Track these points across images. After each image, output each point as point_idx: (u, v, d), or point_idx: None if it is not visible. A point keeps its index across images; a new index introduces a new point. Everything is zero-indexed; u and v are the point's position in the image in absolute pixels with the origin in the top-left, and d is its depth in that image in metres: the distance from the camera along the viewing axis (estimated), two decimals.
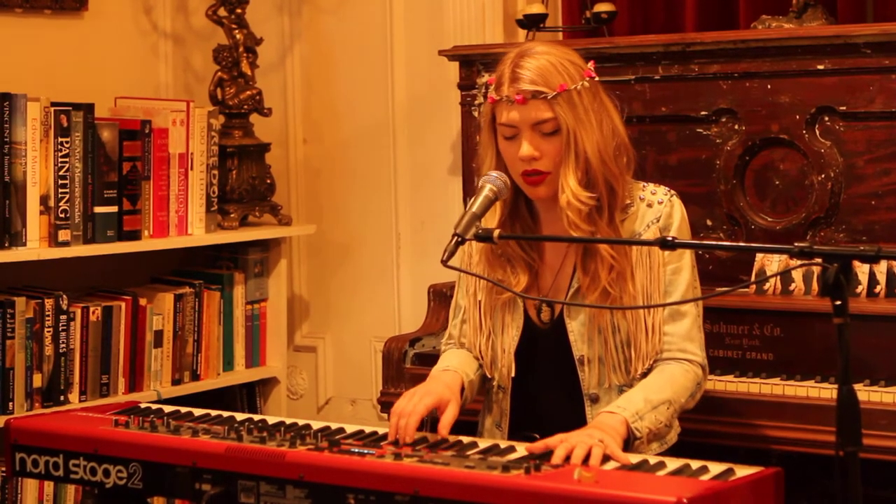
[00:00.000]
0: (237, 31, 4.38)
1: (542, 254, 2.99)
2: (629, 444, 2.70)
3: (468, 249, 3.05)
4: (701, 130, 3.57)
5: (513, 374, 2.97)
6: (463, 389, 2.92)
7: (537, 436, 2.89)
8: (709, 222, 3.56)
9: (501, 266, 2.97)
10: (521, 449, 2.64)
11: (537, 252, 2.98)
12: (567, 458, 2.54)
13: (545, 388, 2.98)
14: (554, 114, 2.84)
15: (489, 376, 3.00)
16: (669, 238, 2.53)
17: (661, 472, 2.45)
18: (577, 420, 2.85)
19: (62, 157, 3.86)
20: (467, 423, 2.98)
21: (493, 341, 2.99)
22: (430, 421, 2.81)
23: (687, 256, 2.95)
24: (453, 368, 2.95)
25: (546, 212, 2.97)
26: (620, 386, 2.90)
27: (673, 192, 2.97)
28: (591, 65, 2.93)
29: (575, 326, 2.92)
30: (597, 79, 2.93)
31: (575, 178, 2.84)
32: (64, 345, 3.91)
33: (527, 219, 2.98)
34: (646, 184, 2.99)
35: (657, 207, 2.93)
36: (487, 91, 2.94)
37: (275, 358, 4.47)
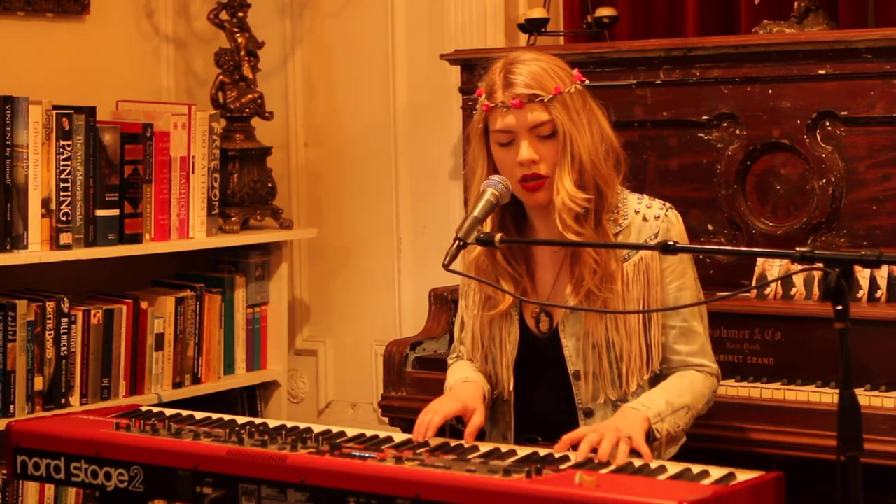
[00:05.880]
0: (239, 35, 4.39)
1: (530, 267, 2.98)
2: (648, 443, 2.71)
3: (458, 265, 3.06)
4: (702, 135, 3.57)
5: (511, 388, 2.97)
6: (484, 399, 2.92)
7: (539, 438, 2.90)
8: (710, 227, 3.56)
9: (489, 280, 2.96)
10: (524, 452, 2.63)
11: (525, 265, 2.97)
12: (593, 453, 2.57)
13: (542, 400, 2.98)
14: (550, 116, 2.85)
15: (491, 389, 3.00)
16: (670, 243, 2.54)
17: (662, 476, 2.44)
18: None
19: (64, 160, 3.86)
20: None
21: (492, 356, 2.99)
22: (448, 428, 2.80)
23: (690, 272, 2.95)
24: (473, 380, 2.95)
25: (541, 219, 2.95)
26: (615, 401, 2.90)
27: (669, 205, 2.97)
28: (576, 71, 2.94)
29: (570, 342, 2.92)
30: (586, 82, 2.94)
31: (570, 179, 2.85)
32: (65, 348, 3.91)
33: (512, 232, 2.96)
34: (640, 196, 2.98)
35: (654, 223, 2.92)
36: (478, 102, 2.94)
37: (275, 361, 4.47)
